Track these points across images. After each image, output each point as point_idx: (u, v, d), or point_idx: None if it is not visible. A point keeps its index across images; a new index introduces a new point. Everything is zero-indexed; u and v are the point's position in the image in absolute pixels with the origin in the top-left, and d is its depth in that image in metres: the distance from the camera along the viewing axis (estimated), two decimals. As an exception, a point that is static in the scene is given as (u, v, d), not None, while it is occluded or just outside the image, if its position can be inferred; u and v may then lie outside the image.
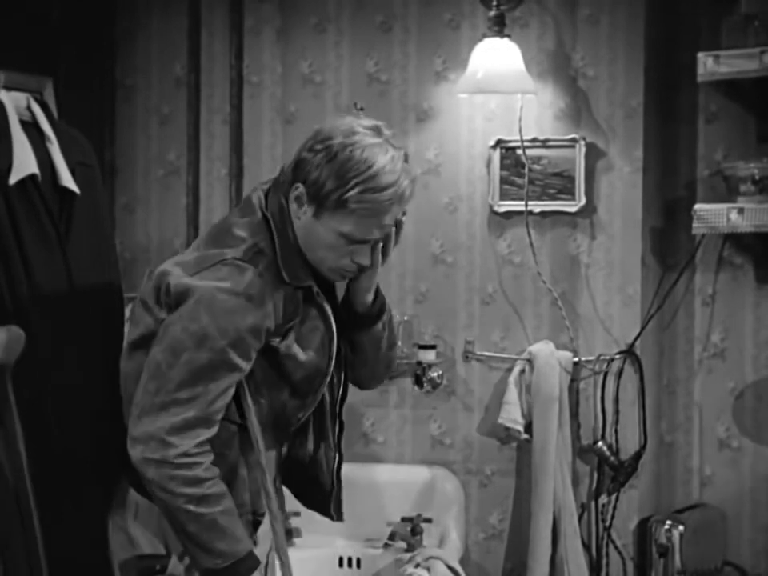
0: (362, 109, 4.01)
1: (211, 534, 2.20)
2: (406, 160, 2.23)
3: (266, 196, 2.31)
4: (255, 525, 2.37)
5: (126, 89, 4.25)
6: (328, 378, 2.30)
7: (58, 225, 2.52)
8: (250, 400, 2.28)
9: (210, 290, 2.18)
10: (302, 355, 2.26)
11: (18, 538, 2.29)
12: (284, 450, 2.43)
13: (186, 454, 2.18)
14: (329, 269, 2.27)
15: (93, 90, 4.15)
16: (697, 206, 3.67)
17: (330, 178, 2.15)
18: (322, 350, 2.28)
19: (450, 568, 3.61)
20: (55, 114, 2.63)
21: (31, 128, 2.47)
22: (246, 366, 2.22)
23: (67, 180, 2.51)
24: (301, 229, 2.23)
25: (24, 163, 2.39)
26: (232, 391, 2.25)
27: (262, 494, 2.32)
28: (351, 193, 2.14)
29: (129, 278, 3.63)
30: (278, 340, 2.24)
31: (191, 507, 2.19)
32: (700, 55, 3.59)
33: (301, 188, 2.20)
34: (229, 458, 2.31)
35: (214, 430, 2.23)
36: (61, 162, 2.50)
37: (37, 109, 2.50)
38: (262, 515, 2.37)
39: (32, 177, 2.42)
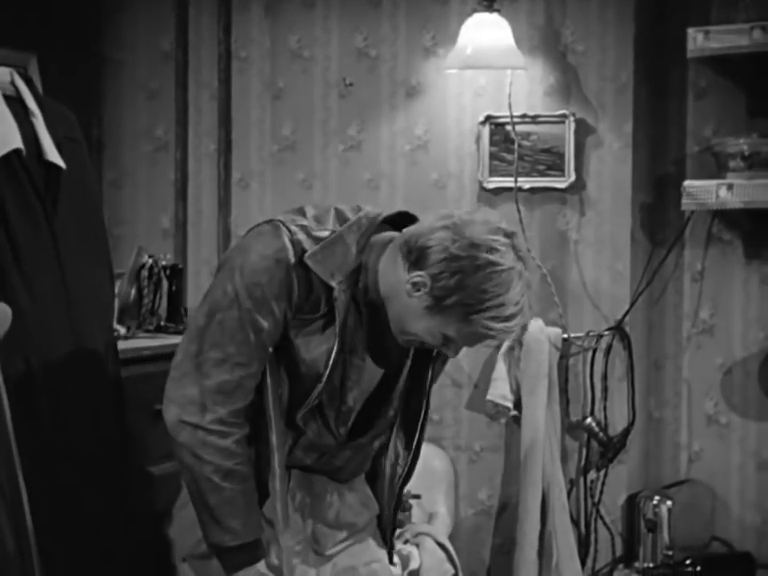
0: (351, 84, 4.00)
1: (228, 509, 2.21)
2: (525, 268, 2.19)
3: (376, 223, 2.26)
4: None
5: (114, 64, 4.23)
6: (321, 386, 2.25)
7: (44, 199, 2.51)
8: (269, 379, 2.26)
9: (245, 250, 2.20)
10: (304, 352, 2.24)
11: (6, 517, 2.29)
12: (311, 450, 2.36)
13: (220, 421, 2.19)
14: (408, 342, 2.24)
15: (80, 65, 4.12)
16: (686, 183, 3.67)
17: (461, 291, 2.12)
18: (324, 358, 2.23)
19: (439, 544, 3.62)
20: (40, 89, 2.61)
21: (15, 103, 2.46)
22: (274, 331, 2.20)
23: (52, 154, 2.50)
24: (400, 297, 2.19)
25: (7, 138, 2.38)
26: (265, 362, 2.24)
27: (270, 473, 2.30)
28: (477, 316, 2.13)
29: (117, 254, 3.61)
30: (295, 326, 2.22)
31: (216, 478, 2.20)
32: (690, 31, 3.58)
33: (426, 279, 2.15)
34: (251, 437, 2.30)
35: (248, 399, 2.23)
36: (46, 136, 2.49)
37: (21, 84, 2.49)
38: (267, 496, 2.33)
39: (16, 151, 2.41)
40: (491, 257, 2.11)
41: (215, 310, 2.20)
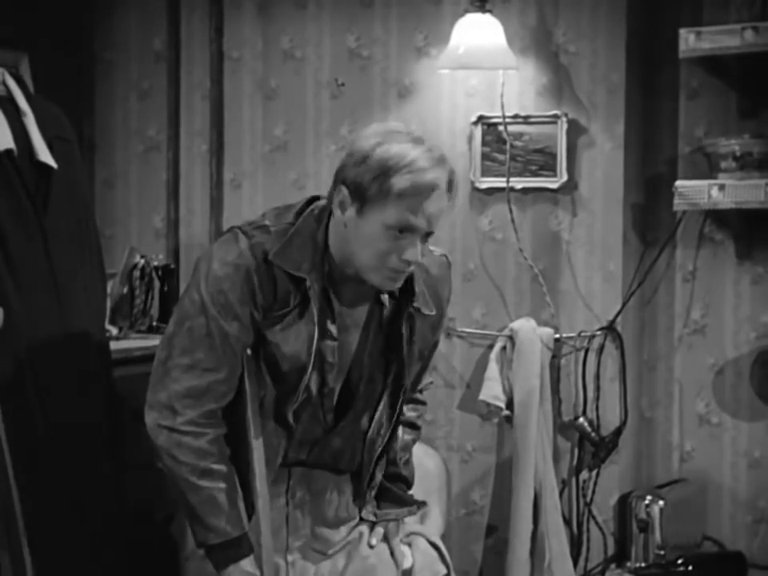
0: (342, 84, 4.00)
1: (207, 508, 2.28)
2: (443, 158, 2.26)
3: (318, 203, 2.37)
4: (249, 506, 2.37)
5: (106, 63, 4.23)
6: (307, 377, 2.30)
7: (35, 199, 2.51)
8: (247, 382, 2.32)
9: (209, 259, 2.29)
10: (284, 346, 2.29)
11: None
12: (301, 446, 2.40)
13: (192, 422, 2.27)
14: (376, 269, 2.26)
15: (72, 64, 4.12)
16: (678, 183, 3.67)
17: (369, 171, 2.19)
18: (306, 347, 2.30)
19: (432, 544, 3.60)
20: (31, 88, 2.61)
21: (6, 102, 2.47)
22: (241, 335, 2.28)
23: (44, 154, 2.50)
24: (346, 233, 2.26)
25: (-1, 138, 2.38)
26: (236, 367, 2.30)
27: (251, 473, 2.34)
28: (393, 179, 2.18)
29: (109, 254, 3.62)
30: (268, 325, 2.29)
31: (193, 478, 2.28)
32: (682, 31, 3.58)
33: (343, 190, 2.23)
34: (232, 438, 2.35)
35: (223, 402, 2.31)
36: (37, 136, 2.49)
37: (12, 83, 2.49)
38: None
39: (7, 152, 2.41)
40: (383, 137, 2.20)
41: (184, 318, 2.29)
